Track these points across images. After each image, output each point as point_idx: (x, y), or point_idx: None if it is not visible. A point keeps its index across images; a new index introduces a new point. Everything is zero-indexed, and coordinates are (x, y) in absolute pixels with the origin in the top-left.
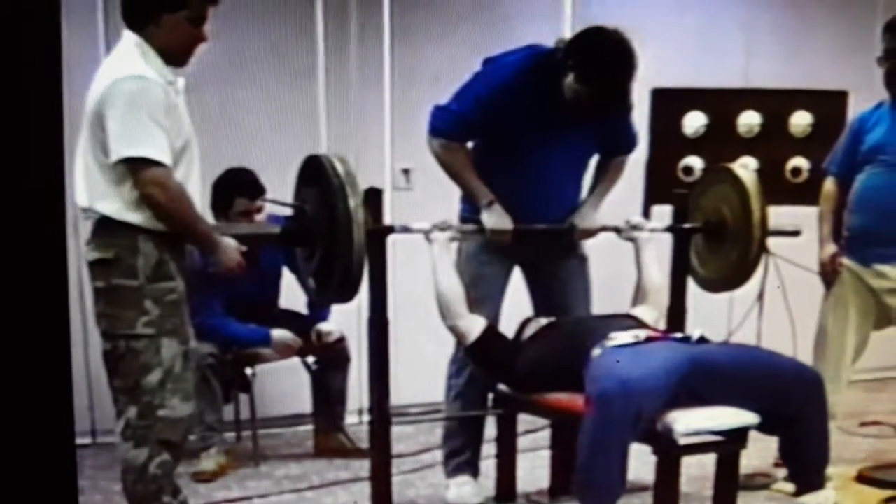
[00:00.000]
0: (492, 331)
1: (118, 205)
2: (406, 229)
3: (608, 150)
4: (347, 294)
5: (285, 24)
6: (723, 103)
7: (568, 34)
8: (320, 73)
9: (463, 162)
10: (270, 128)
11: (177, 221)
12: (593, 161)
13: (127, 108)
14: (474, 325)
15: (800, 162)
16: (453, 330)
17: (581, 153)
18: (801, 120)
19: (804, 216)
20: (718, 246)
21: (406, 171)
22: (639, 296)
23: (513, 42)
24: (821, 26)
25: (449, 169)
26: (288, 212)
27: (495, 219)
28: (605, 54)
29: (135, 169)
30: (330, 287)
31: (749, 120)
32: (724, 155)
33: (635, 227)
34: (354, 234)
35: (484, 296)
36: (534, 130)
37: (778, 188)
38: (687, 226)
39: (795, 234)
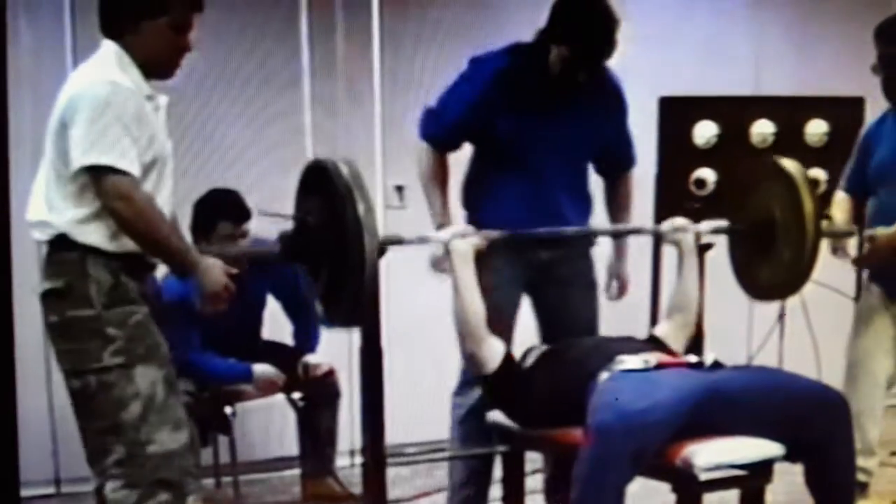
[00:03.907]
0: (511, 360)
1: (67, 217)
2: (423, 240)
3: (607, 163)
4: (361, 314)
5: (268, 30)
6: (734, 112)
7: None
8: (305, 83)
9: (440, 176)
10: (253, 141)
11: (146, 238)
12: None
13: (93, 112)
14: (495, 353)
15: (817, 173)
16: (472, 357)
17: (579, 153)
18: (816, 129)
19: None
20: (768, 247)
21: (399, 189)
22: (673, 310)
23: None
24: (834, 30)
25: (427, 178)
26: (280, 230)
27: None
28: (583, 5)
29: (97, 178)
30: (340, 307)
31: (762, 129)
32: (737, 166)
33: (679, 230)
34: (366, 242)
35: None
36: (527, 125)
37: None
38: (732, 226)
39: (850, 234)
